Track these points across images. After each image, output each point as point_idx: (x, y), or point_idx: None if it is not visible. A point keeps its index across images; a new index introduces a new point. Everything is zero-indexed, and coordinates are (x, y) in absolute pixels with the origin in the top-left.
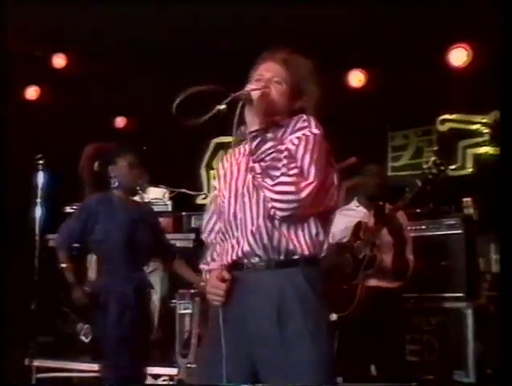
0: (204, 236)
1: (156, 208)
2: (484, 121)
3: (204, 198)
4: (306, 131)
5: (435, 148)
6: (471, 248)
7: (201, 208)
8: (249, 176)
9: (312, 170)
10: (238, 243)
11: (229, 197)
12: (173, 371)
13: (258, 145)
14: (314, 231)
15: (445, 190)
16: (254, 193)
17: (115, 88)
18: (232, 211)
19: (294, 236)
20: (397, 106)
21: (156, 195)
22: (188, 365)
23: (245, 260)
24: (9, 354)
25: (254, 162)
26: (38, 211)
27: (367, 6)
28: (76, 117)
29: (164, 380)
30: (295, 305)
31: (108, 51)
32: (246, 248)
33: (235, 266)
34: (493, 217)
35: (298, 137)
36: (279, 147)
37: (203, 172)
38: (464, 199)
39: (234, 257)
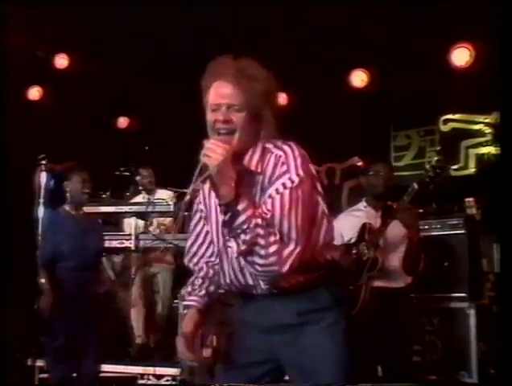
0: (186, 259)
1: (158, 208)
2: (486, 120)
3: None
4: (286, 180)
5: (438, 148)
6: (474, 248)
7: None
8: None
9: (293, 236)
10: (246, 282)
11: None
12: (176, 371)
13: (231, 219)
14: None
15: (448, 190)
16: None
17: (118, 89)
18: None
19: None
20: (399, 106)
21: (162, 196)
22: (191, 363)
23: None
24: (12, 354)
25: (230, 236)
26: (40, 212)
27: (369, 6)
28: (78, 118)
29: (167, 380)
30: (313, 307)
31: (109, 51)
32: (264, 287)
33: (243, 294)
34: (495, 217)
35: (276, 192)
36: (254, 221)
37: None
38: (467, 199)
39: (240, 289)
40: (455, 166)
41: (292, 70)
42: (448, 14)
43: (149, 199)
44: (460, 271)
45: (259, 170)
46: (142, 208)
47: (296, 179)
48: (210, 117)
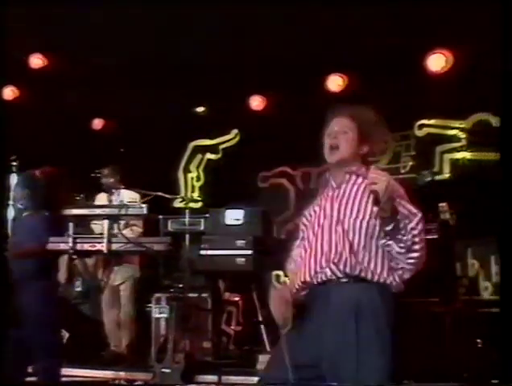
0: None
1: (131, 211)
2: (461, 126)
3: (181, 201)
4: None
5: (413, 153)
6: (447, 253)
7: (178, 212)
8: (334, 214)
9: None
10: (321, 267)
11: (317, 232)
12: (148, 375)
13: (387, 220)
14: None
15: (423, 195)
16: (338, 227)
17: (93, 90)
18: (319, 242)
19: (373, 266)
20: (375, 111)
21: (132, 198)
22: (164, 370)
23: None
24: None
25: (386, 235)
26: (10, 213)
27: (345, 11)
28: (53, 119)
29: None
30: (369, 315)
31: (86, 52)
32: (329, 273)
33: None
34: (469, 222)
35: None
36: (410, 227)
37: (180, 175)
38: (440, 204)
39: (319, 280)
40: (429, 172)
41: (268, 73)
42: (424, 20)
43: (110, 200)
44: (434, 276)
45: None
46: (114, 211)
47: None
48: (325, 139)
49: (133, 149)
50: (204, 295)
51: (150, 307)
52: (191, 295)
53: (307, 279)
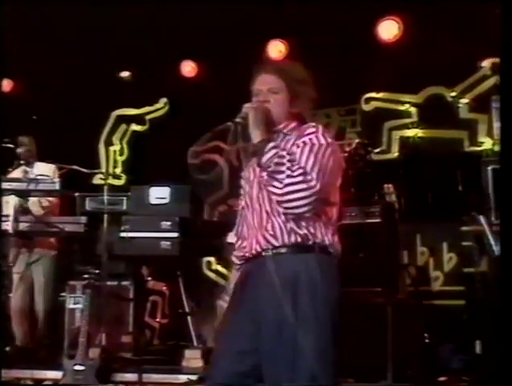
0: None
1: (42, 186)
2: (413, 100)
3: (101, 177)
4: (313, 137)
5: (359, 129)
6: (391, 238)
7: (97, 189)
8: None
9: (314, 174)
10: (256, 238)
11: (248, 203)
12: (57, 374)
13: (262, 154)
14: (323, 225)
15: (368, 175)
16: (266, 197)
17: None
18: (250, 214)
19: (306, 229)
20: (318, 82)
21: (44, 172)
22: (76, 367)
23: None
24: None
25: (261, 170)
26: None
27: None
28: None
29: None
30: (306, 290)
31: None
32: (263, 242)
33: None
34: (417, 205)
35: (303, 141)
36: (281, 153)
37: (101, 148)
38: (386, 186)
39: (254, 252)
40: (376, 150)
41: (202, 36)
42: None
43: (26, 172)
44: (376, 263)
45: (288, 132)
46: (22, 186)
47: (323, 142)
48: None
49: (47, 116)
50: (124, 283)
51: (64, 297)
52: (110, 283)
53: (242, 252)
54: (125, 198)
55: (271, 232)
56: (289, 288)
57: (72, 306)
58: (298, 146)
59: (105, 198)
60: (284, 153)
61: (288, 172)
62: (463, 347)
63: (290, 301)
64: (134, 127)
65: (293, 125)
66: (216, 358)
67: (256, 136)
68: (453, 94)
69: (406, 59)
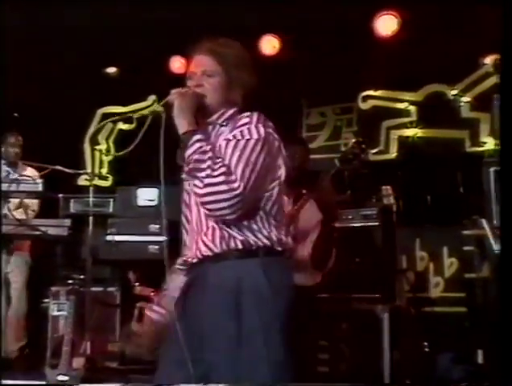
0: None
1: (23, 187)
2: (412, 98)
3: (88, 178)
4: (244, 129)
5: (356, 128)
6: (389, 242)
7: (82, 190)
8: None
9: (239, 173)
10: (196, 244)
11: (188, 203)
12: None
13: (186, 148)
14: (266, 225)
15: (365, 176)
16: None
17: None
18: (186, 214)
19: (247, 231)
20: (314, 78)
21: (25, 172)
22: (59, 377)
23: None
24: None
25: (185, 165)
26: None
27: None
28: None
29: None
30: (251, 299)
31: None
32: (204, 249)
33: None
34: (417, 208)
35: (233, 135)
36: (205, 148)
37: (86, 147)
38: (384, 187)
39: (195, 260)
40: (374, 150)
41: (192, 30)
42: None
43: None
44: (373, 268)
45: (224, 123)
46: (3, 187)
47: (255, 133)
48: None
49: (28, 114)
50: (110, 289)
51: (47, 303)
52: (95, 289)
53: (184, 258)
54: (111, 199)
55: (210, 238)
56: (232, 296)
57: (55, 313)
58: (226, 140)
59: (91, 199)
60: (208, 148)
61: (208, 171)
62: (464, 357)
63: (233, 311)
64: (121, 126)
65: (229, 113)
66: (161, 367)
67: (181, 126)
68: (454, 92)
69: (406, 56)
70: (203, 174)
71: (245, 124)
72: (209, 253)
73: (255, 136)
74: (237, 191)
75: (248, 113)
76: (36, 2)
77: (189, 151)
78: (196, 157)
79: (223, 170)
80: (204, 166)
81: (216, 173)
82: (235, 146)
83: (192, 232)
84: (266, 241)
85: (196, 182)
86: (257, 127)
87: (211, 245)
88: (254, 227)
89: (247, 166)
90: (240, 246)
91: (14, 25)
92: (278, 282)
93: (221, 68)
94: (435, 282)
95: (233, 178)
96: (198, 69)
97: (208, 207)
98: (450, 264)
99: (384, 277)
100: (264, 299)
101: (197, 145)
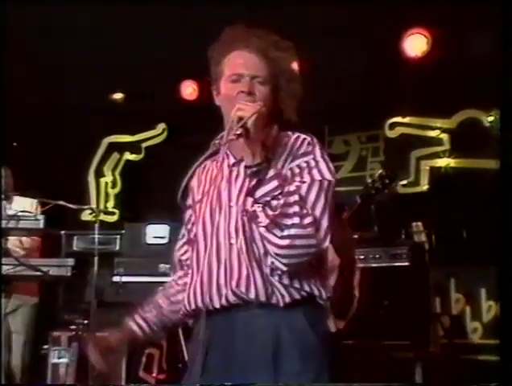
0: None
1: (23, 224)
2: (444, 126)
3: (91, 213)
4: (310, 160)
5: (382, 158)
6: (421, 283)
7: (86, 226)
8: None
9: (325, 224)
10: (218, 290)
11: (209, 233)
12: None
13: (260, 183)
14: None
15: (393, 210)
16: (247, 233)
17: None
18: (214, 251)
19: (297, 281)
20: (337, 104)
21: (24, 207)
22: None
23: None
24: None
25: (255, 203)
26: None
27: None
28: None
29: None
30: (292, 349)
31: None
32: (232, 297)
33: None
34: (451, 246)
35: (311, 175)
36: (288, 188)
37: (91, 179)
38: (414, 223)
39: (217, 306)
40: (403, 182)
41: (205, 56)
42: None
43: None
44: (404, 312)
45: (274, 147)
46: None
47: (326, 170)
48: (229, 89)
49: (28, 143)
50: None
51: (47, 349)
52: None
53: (198, 304)
54: (118, 237)
55: (245, 282)
56: (269, 348)
57: (55, 361)
58: (300, 178)
59: (96, 236)
60: (292, 188)
61: (296, 219)
62: None
63: (271, 363)
64: (128, 156)
65: (273, 133)
66: None
67: (250, 155)
68: (491, 118)
69: (437, 79)
70: (288, 221)
71: (310, 152)
72: (240, 302)
73: (329, 176)
74: (323, 246)
75: (304, 136)
76: (42, 26)
77: (266, 188)
78: (281, 201)
79: (310, 219)
80: (290, 211)
81: (305, 222)
82: (319, 188)
83: (210, 269)
84: (310, 290)
85: (275, 229)
86: (324, 158)
87: (241, 294)
88: (304, 275)
89: (331, 217)
90: (286, 296)
91: (17, 51)
92: (322, 331)
93: (273, 76)
94: (472, 327)
95: (321, 232)
96: (247, 71)
97: (289, 261)
98: (489, 307)
99: (416, 322)
100: (307, 349)
101: (275, 183)
